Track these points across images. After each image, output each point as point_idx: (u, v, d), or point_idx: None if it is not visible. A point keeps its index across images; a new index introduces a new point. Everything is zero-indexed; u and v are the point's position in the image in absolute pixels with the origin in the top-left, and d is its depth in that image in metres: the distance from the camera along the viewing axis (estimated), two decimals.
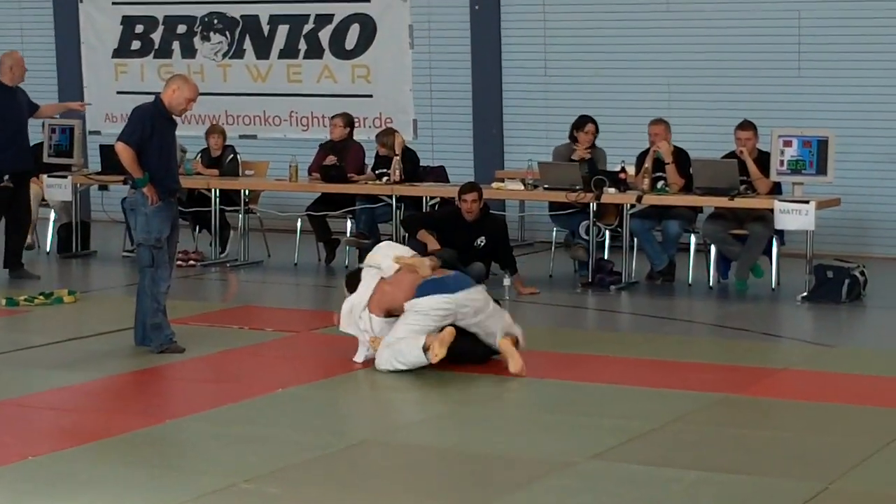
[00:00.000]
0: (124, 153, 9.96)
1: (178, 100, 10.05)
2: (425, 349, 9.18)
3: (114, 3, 18.13)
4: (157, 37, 17.98)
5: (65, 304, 11.89)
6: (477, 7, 16.45)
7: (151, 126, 9.98)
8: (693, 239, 13.22)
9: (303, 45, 17.30)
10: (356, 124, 15.27)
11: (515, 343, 9.47)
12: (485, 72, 16.49)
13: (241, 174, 14.88)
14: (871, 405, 8.62)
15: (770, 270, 12.87)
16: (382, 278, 9.68)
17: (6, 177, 13.09)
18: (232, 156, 14.90)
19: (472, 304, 9.45)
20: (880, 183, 15.03)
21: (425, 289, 9.45)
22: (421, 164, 14.54)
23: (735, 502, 6.68)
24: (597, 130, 13.64)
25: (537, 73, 16.34)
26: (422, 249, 11.50)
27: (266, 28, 17.47)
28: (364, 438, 7.74)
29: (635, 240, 13.28)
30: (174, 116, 10.18)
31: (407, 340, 9.27)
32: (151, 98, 10.23)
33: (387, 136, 14.28)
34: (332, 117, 14.95)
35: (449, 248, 12.28)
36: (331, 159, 14.41)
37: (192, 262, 14.32)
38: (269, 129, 17.53)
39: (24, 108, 13.33)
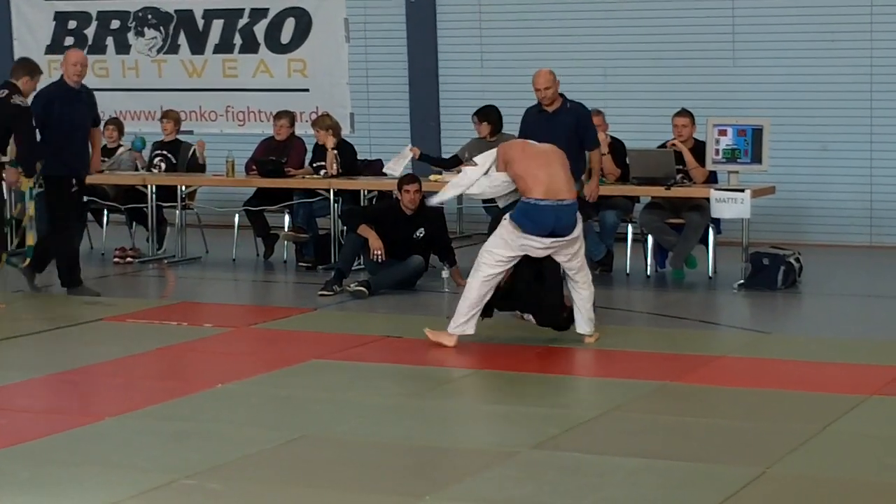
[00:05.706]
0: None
1: None
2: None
3: None
4: (90, 32, 17.87)
5: None
6: None
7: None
8: (630, 229, 13.29)
9: (238, 40, 17.24)
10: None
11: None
12: (421, 64, 16.50)
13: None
14: (808, 391, 8.70)
15: (707, 259, 12.96)
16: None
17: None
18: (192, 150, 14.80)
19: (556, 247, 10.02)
20: (815, 171, 15.16)
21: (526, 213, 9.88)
22: (358, 157, 14.51)
23: (675, 488, 6.73)
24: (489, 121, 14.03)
25: (473, 64, 16.36)
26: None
27: (200, 23, 17.40)
28: (305, 433, 7.73)
29: None
30: None
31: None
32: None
33: (322, 118, 14.27)
34: (276, 118, 14.70)
35: (389, 240, 12.34)
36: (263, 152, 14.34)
37: (129, 258, 14.24)
38: (206, 124, 17.45)
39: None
